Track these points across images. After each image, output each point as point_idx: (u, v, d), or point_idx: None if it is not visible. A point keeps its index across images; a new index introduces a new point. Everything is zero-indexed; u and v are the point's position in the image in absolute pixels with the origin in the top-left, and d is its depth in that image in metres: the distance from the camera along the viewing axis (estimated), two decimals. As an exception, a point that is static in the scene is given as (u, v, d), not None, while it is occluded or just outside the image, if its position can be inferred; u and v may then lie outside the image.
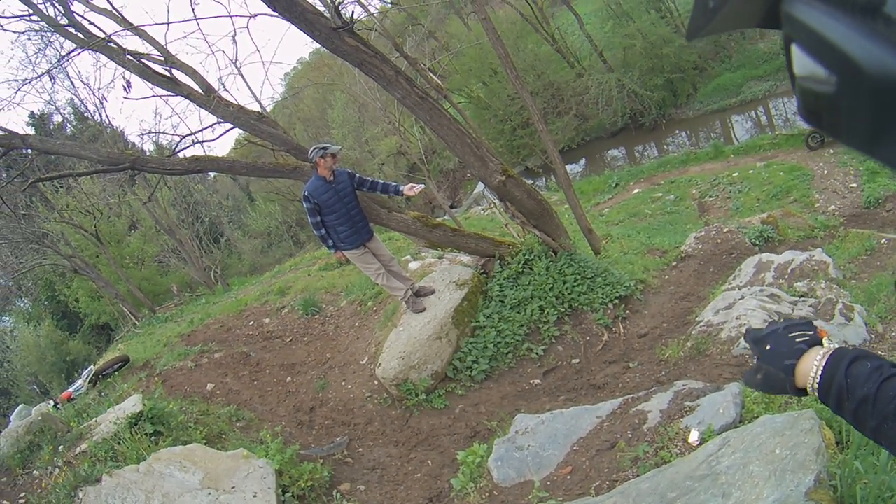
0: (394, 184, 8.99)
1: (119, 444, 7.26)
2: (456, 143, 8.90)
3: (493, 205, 10.95)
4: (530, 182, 10.68)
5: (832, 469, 3.63)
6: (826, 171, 20.07)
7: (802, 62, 0.64)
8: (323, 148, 8.35)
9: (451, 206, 32.33)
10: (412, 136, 28.82)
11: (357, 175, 8.89)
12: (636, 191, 24.34)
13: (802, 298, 8.91)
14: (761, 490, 3.54)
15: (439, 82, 15.48)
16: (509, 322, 9.57)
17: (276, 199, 45.60)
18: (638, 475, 4.87)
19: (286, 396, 9.84)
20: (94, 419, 8.18)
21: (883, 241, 12.25)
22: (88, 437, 7.65)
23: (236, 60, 31.10)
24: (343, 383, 9.79)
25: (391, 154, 38.65)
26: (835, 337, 7.68)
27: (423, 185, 9.30)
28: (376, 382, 9.28)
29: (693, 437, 5.15)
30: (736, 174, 22.57)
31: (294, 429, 8.80)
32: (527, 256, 10.21)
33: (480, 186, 29.12)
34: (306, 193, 8.47)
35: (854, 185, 18.14)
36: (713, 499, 3.70)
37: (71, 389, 10.91)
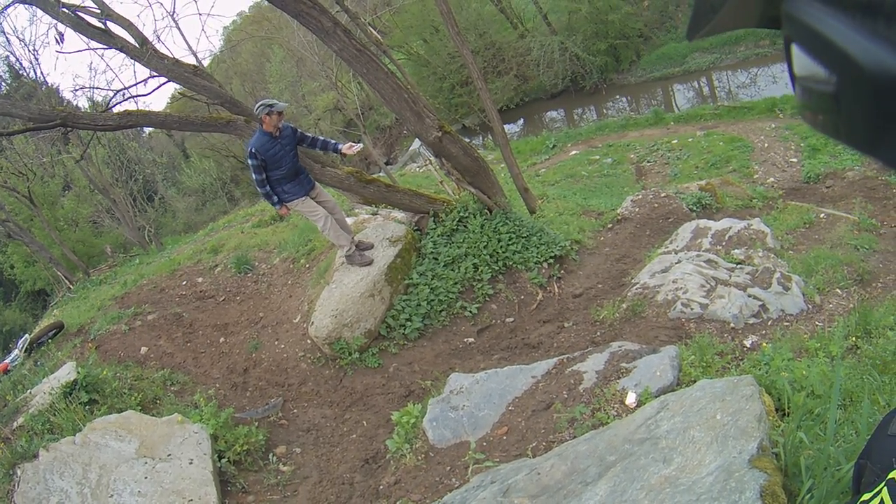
0: (333, 141, 8.87)
1: (55, 415, 7.21)
2: (393, 97, 8.85)
3: (428, 162, 10.91)
4: (467, 140, 10.60)
5: (774, 436, 3.65)
6: (767, 145, 20.37)
7: (802, 62, 0.61)
8: (270, 105, 8.20)
9: (387, 163, 32.26)
10: (349, 91, 28.55)
11: (299, 131, 8.75)
12: (574, 152, 24.43)
13: (740, 266, 9.03)
14: (703, 456, 3.55)
15: (379, 37, 15.31)
16: (443, 280, 9.57)
17: (212, 155, 44.97)
18: (575, 436, 4.89)
19: (220, 358, 9.72)
20: (30, 391, 8.13)
21: (822, 215, 12.46)
22: (25, 410, 7.58)
23: (174, 12, 30.42)
24: (276, 343, 9.68)
25: (328, 110, 38.32)
26: (772, 305, 7.81)
27: (361, 145, 9.18)
28: (309, 341, 9.16)
29: (630, 398, 5.18)
30: (675, 141, 22.74)
31: (228, 391, 8.75)
32: (461, 214, 10.21)
33: (417, 143, 29.09)
34: (252, 150, 8.28)
35: (794, 160, 18.42)
36: (654, 463, 3.68)
37: (7, 360, 10.71)
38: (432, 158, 10.63)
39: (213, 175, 44.30)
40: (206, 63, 29.74)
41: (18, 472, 6.34)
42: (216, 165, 45.09)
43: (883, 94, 0.51)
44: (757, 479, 3.16)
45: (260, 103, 8.29)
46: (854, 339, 6.42)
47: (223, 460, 6.71)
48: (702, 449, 3.60)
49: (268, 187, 8.55)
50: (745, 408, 3.79)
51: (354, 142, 8.64)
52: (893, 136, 0.53)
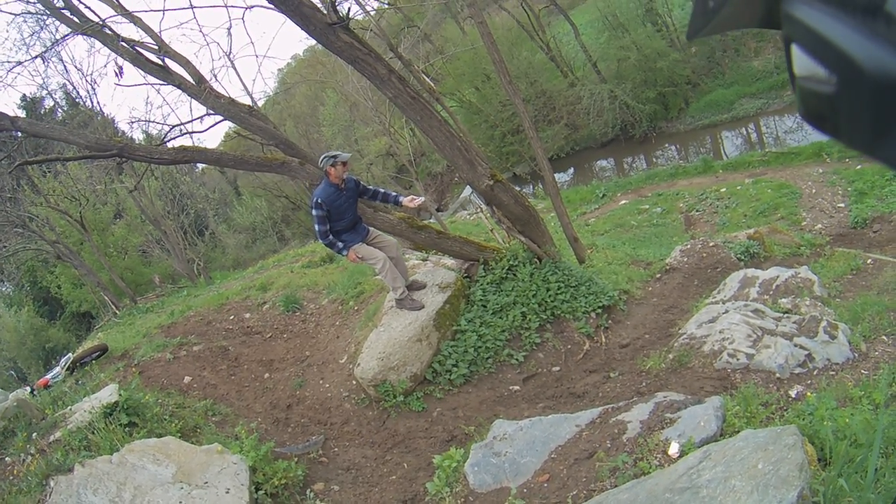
0: (394, 194, 9.03)
1: (93, 433, 7.21)
2: (445, 144, 8.92)
3: (479, 209, 10.97)
4: (518, 189, 10.67)
5: (815, 486, 3.63)
6: (814, 191, 20.19)
7: (802, 62, 0.63)
8: (333, 157, 8.35)
9: (438, 210, 32.37)
10: (402, 137, 28.83)
11: (361, 183, 8.92)
12: (623, 202, 24.41)
13: (787, 315, 8.91)
14: None
15: (432, 84, 15.46)
16: (491, 327, 9.53)
17: (263, 194, 45.60)
18: (616, 486, 4.85)
19: (263, 392, 9.78)
20: (70, 407, 8.14)
21: (869, 261, 12.29)
22: (63, 425, 7.60)
23: (230, 52, 31.01)
24: (321, 382, 9.74)
25: (380, 155, 38.71)
26: (818, 354, 7.70)
27: (423, 198, 9.32)
28: (354, 382, 9.21)
29: (673, 448, 5.13)
30: (724, 189, 22.68)
31: (270, 426, 8.76)
32: (511, 262, 10.20)
33: (468, 191, 29.13)
34: (318, 200, 8.39)
35: (842, 204, 18.22)
36: None
37: (48, 376, 10.80)
38: (483, 206, 10.70)
39: (265, 214, 44.92)
40: (260, 104, 30.28)
41: (52, 483, 6.41)
42: (267, 205, 45.74)
43: (883, 94, 0.54)
44: None
45: (324, 155, 8.43)
46: None
47: (260, 492, 6.71)
48: (742, 498, 3.58)
49: (331, 237, 8.67)
50: (787, 457, 3.78)
51: (406, 188, 8.75)
52: (893, 136, 0.56)
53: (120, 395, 7.80)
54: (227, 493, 6.38)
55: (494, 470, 5.84)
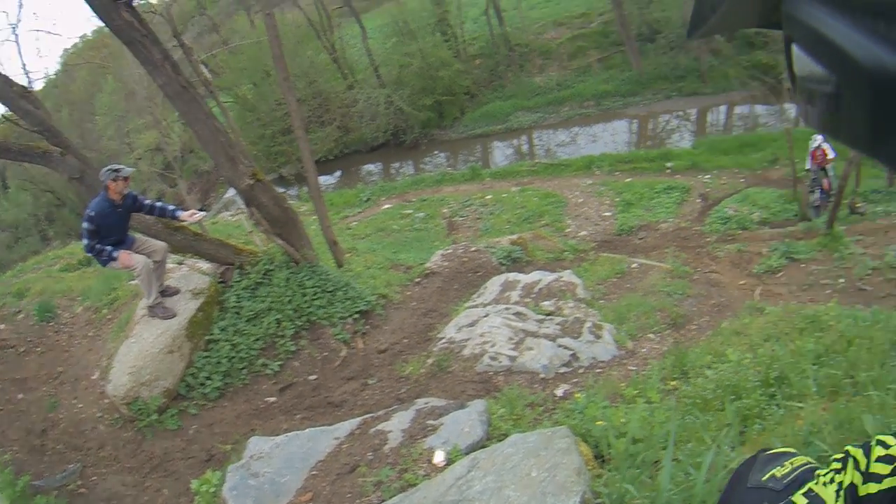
0: (172, 208, 8.70)
1: None
2: (209, 139, 8.80)
3: (240, 211, 10.68)
4: (282, 191, 10.54)
5: (596, 487, 3.64)
6: (581, 200, 21.30)
7: (803, 62, 0.62)
8: (116, 171, 7.95)
9: (201, 209, 31.44)
10: (172, 132, 27.82)
11: (139, 199, 8.48)
12: (386, 206, 24.67)
13: (550, 317, 9.19)
14: None
15: (208, 76, 15.01)
16: (245, 335, 9.31)
17: (30, 188, 42.42)
18: (383, 500, 4.78)
19: (17, 417, 9.00)
20: None
21: (634, 265, 13.04)
22: None
23: (17, 24, 29.12)
24: (74, 402, 9.10)
25: (149, 149, 37.03)
26: (583, 354, 7.96)
27: (204, 213, 8.95)
28: (107, 401, 8.70)
29: (438, 457, 5.10)
30: (489, 197, 23.45)
31: (26, 455, 8.15)
32: (267, 266, 10.03)
33: (231, 191, 28.61)
34: (91, 214, 7.95)
35: (608, 213, 19.34)
36: None
37: None
38: (244, 207, 10.43)
39: (28, 210, 41.81)
40: (40, 86, 28.26)
41: None
42: (33, 199, 42.60)
43: (883, 94, 0.51)
44: None
45: (107, 168, 8.01)
46: (672, 381, 6.54)
47: None
48: None
49: (98, 246, 8.17)
50: (562, 462, 3.77)
51: (171, 186, 8.42)
52: (894, 136, 0.53)
53: None
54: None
55: (254, 493, 5.60)
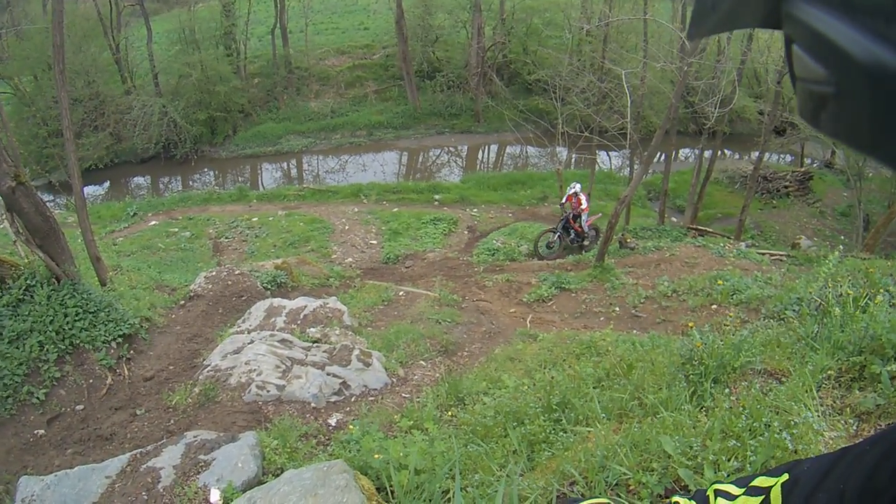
0: None
1: None
2: None
3: (4, 217, 9.88)
4: (51, 199, 9.86)
5: None
6: (348, 227, 21.53)
7: (803, 63, 0.62)
8: None
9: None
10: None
11: None
12: (153, 222, 23.74)
13: (316, 344, 9.28)
14: None
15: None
16: (7, 359, 8.57)
17: None
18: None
19: None
20: None
21: (401, 293, 13.24)
22: None
23: None
24: None
25: None
26: (353, 382, 7.98)
27: None
28: None
29: (214, 497, 5.02)
30: (256, 219, 23.21)
31: None
32: (29, 281, 9.28)
33: (0, 195, 26.41)
34: None
35: (374, 241, 19.66)
36: None
37: None
38: (6, 213, 9.67)
39: None
40: None
41: None
42: None
43: (883, 94, 0.53)
44: None
45: None
46: (449, 410, 6.61)
47: None
48: None
49: None
50: (343, 501, 3.71)
51: None
52: (894, 136, 0.55)
53: None
54: None
55: (32, 539, 5.19)
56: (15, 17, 34.64)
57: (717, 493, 1.17)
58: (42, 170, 31.02)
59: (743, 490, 1.13)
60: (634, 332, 10.40)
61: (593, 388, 5.19)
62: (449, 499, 3.90)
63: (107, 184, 32.76)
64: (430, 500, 3.86)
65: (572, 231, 18.67)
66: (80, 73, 31.39)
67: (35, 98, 32.38)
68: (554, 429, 4.69)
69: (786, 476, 1.07)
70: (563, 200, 18.82)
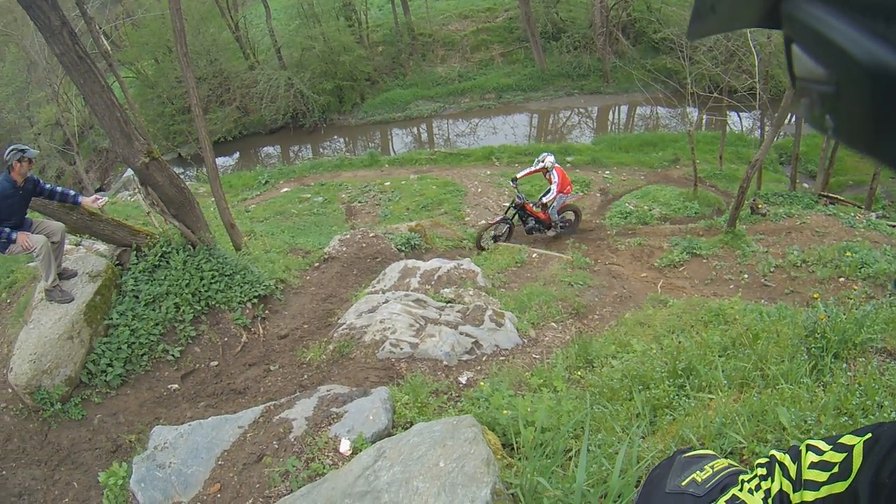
0: (73, 193, 8.51)
1: None
2: (105, 113, 8.55)
3: (137, 190, 10.38)
4: (181, 171, 10.28)
5: (507, 478, 3.62)
6: (480, 190, 21.38)
7: (803, 63, 0.62)
8: (21, 151, 7.73)
9: (99, 189, 30.26)
10: (72, 106, 26.74)
11: (40, 182, 8.25)
12: (285, 189, 24.15)
13: (450, 304, 9.23)
14: None
15: (108, 48, 14.54)
16: (144, 320, 9.10)
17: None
18: (291, 490, 4.74)
19: (-75, 411, 8.59)
20: None
21: (534, 255, 13.13)
22: None
23: None
24: (-23, 391, 8.71)
25: (49, 124, 35.45)
26: (485, 341, 8.01)
27: (106, 199, 8.69)
28: (10, 390, 8.32)
29: (344, 446, 5.09)
30: (388, 183, 23.30)
31: (-63, 452, 7.81)
32: (164, 248, 9.80)
33: (129, 171, 27.68)
34: None
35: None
36: None
37: None
38: (140, 186, 10.17)
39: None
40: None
41: None
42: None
43: (883, 93, 0.53)
44: None
45: (13, 147, 7.78)
46: (578, 371, 6.61)
47: None
48: (429, 501, 3.46)
49: None
50: (470, 452, 3.73)
51: (71, 164, 8.09)
52: (894, 136, 0.55)
53: None
54: None
55: (162, 485, 5.47)
56: (128, 8, 35.87)
57: (809, 447, 1.20)
58: (171, 145, 32.32)
59: (831, 447, 1.17)
60: (763, 301, 10.03)
61: (718, 356, 5.21)
62: (570, 457, 3.96)
63: (236, 154, 33.74)
64: (552, 457, 3.83)
65: (531, 219, 15.88)
66: (201, 53, 32.33)
67: (158, 80, 33.69)
68: (678, 394, 4.74)
69: (869, 435, 1.11)
70: (521, 175, 15.68)
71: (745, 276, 12.85)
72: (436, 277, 10.41)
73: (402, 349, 7.80)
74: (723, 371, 4.78)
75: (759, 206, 16.45)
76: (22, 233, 8.06)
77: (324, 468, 4.89)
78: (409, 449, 4.02)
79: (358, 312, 9.05)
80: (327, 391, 6.26)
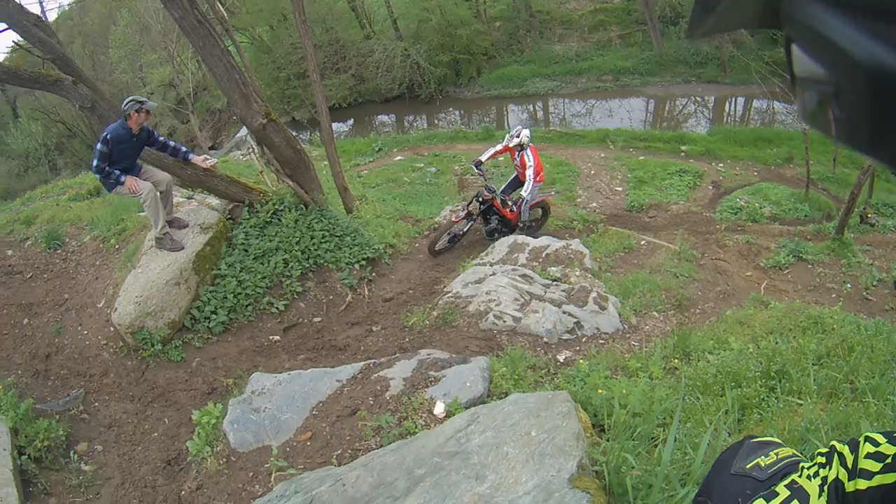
0: (184, 149, 8.90)
1: None
2: (224, 76, 8.78)
3: (251, 150, 10.64)
4: (294, 134, 10.47)
5: (594, 455, 3.61)
6: (593, 172, 21.01)
7: (803, 62, 0.62)
8: (140, 103, 8.05)
9: (212, 147, 31.20)
10: (186, 68, 27.61)
11: (154, 133, 8.64)
12: (398, 158, 24.17)
13: (556, 283, 9.18)
14: (519, 474, 3.45)
15: (224, 14, 14.91)
16: (252, 273, 9.40)
17: (41, 117, 42.10)
18: (381, 445, 4.81)
19: (22, 341, 9.09)
20: None
21: (643, 242, 12.96)
22: None
23: None
24: (79, 328, 9.14)
25: (162, 84, 36.74)
26: (587, 323, 7.97)
27: (215, 161, 9.01)
28: (112, 329, 8.72)
29: (438, 409, 5.13)
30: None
31: (30, 379, 8.26)
32: (277, 206, 10.06)
33: (243, 131, 28.24)
34: (107, 136, 8.07)
35: (619, 188, 19.00)
36: (466, 480, 3.57)
37: None
38: (255, 146, 10.42)
39: (39, 140, 41.54)
40: (53, 17, 27.92)
41: None
42: (43, 129, 42.34)
43: (883, 94, 0.52)
44: (579, 500, 3.12)
45: (131, 98, 8.09)
46: (674, 361, 6.61)
47: (24, 457, 6.34)
48: (517, 467, 3.50)
49: (107, 169, 8.28)
50: (562, 425, 3.75)
51: (183, 122, 8.39)
52: (894, 137, 0.54)
53: None
54: (-11, 460, 5.90)
55: (255, 427, 5.69)
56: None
57: (867, 438, 1.24)
58: (285, 109, 32.96)
59: (887, 440, 1.21)
60: (862, 315, 9.72)
61: (812, 363, 5.34)
62: (656, 444, 3.99)
63: (351, 121, 34.15)
64: (639, 440, 3.89)
65: (495, 218, 12.49)
66: (317, 21, 32.61)
67: (273, 45, 34.39)
68: (768, 396, 4.86)
69: None
70: (487, 157, 12.42)
71: (848, 286, 12.40)
72: (544, 255, 10.36)
73: (504, 322, 7.80)
74: (814, 378, 4.92)
75: (869, 215, 15.81)
76: (130, 177, 8.38)
77: (416, 427, 4.95)
78: (502, 416, 4.07)
79: (464, 282, 9.11)
80: (427, 355, 6.33)
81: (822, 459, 1.31)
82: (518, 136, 12.07)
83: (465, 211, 12.06)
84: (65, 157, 41.97)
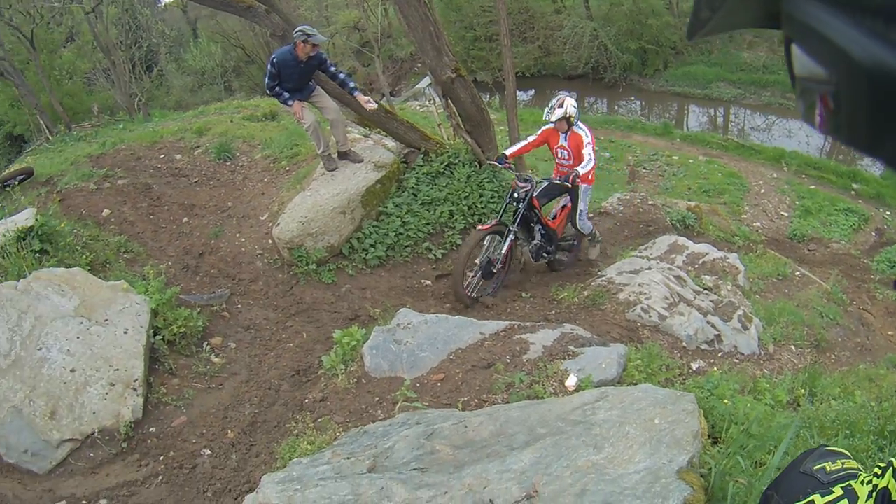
0: (352, 84, 8.95)
1: (3, 258, 7.17)
2: (418, 26, 8.89)
3: (431, 102, 10.75)
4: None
5: (704, 458, 3.63)
6: (763, 191, 20.34)
7: (803, 62, 0.62)
8: (308, 35, 8.30)
9: (391, 94, 31.85)
10: (373, 14, 28.16)
11: (327, 61, 8.87)
12: (574, 137, 24.23)
13: (706, 291, 8.99)
14: (634, 453, 3.51)
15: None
16: (416, 217, 9.59)
17: (220, 41, 43.98)
18: (508, 402, 4.85)
19: (179, 237, 9.67)
20: None
21: (797, 273, 12.50)
22: None
23: None
24: (237, 235, 9.61)
25: (346, 26, 37.66)
26: (727, 338, 7.79)
27: (376, 105, 9.14)
28: (270, 241, 9.14)
29: (571, 381, 5.14)
30: (676, 157, 22.70)
31: (179, 271, 8.71)
32: (451, 159, 10.17)
33: (424, 82, 28.81)
34: (274, 60, 8.53)
35: (785, 213, 18.36)
36: (584, 447, 3.62)
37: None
38: (437, 99, 10.49)
39: (217, 61, 43.39)
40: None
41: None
42: (222, 52, 44.17)
43: (883, 93, 0.52)
44: (682, 491, 3.16)
45: (299, 29, 8.37)
46: (800, 394, 6.51)
47: (158, 337, 6.65)
48: (634, 446, 3.56)
49: (277, 89, 8.69)
50: (684, 421, 3.76)
51: (365, 65, 8.57)
52: (894, 137, 0.54)
53: (36, 220, 7.65)
54: (126, 333, 6.28)
55: (392, 357, 5.84)
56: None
57: None
58: (469, 69, 33.18)
59: None
60: None
61: None
62: (763, 465, 3.93)
63: (532, 91, 34.18)
64: (750, 462, 3.88)
65: (538, 229, 8.86)
66: (511, -12, 32.57)
67: (463, 4, 34.79)
68: (876, 453, 4.79)
69: None
70: (513, 151, 8.94)
71: None
72: (700, 262, 10.13)
73: (650, 316, 7.67)
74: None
75: None
76: (297, 103, 8.72)
77: (545, 393, 4.97)
78: (630, 400, 4.12)
79: (620, 270, 8.98)
80: (571, 330, 6.29)
81: (879, 471, 1.42)
82: (562, 106, 8.47)
83: (497, 219, 8.37)
84: (241, 80, 43.63)
